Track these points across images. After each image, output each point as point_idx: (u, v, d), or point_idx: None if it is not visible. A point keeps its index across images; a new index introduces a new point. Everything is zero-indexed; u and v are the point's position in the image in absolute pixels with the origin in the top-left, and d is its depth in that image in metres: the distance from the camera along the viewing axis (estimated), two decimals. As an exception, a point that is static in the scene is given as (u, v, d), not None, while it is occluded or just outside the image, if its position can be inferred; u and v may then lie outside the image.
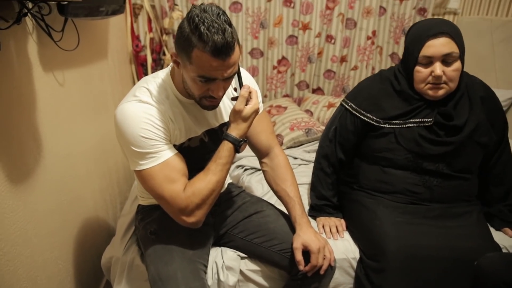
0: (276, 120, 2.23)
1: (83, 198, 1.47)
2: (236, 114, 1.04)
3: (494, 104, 1.35)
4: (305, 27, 2.45)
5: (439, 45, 1.18)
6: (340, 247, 1.33)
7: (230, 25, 0.91)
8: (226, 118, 1.22)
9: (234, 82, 1.10)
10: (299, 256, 1.10)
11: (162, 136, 1.03)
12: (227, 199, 1.33)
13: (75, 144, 1.40)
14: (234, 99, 1.11)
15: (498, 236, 1.37)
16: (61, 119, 1.29)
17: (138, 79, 2.29)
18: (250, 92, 1.05)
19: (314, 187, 1.51)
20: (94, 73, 1.66)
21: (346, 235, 1.40)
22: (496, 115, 1.35)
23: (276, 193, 1.27)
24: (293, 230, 1.19)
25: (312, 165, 1.89)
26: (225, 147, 1.04)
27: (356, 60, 2.58)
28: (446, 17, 2.61)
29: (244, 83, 1.08)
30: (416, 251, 1.20)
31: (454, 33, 1.19)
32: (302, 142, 2.11)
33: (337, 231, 1.41)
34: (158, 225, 1.17)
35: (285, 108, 2.33)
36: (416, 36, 1.24)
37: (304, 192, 1.66)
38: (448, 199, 1.32)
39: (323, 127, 2.16)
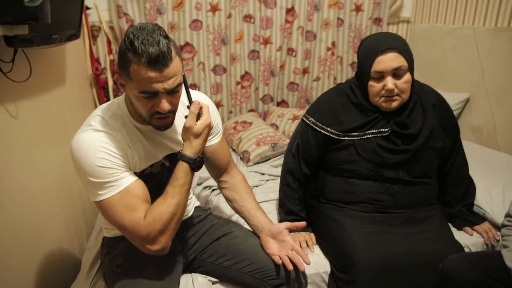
0: (242, 136, 2.24)
1: (44, 233, 1.41)
2: (187, 131, 1.03)
3: (445, 110, 1.42)
4: (266, 41, 2.48)
5: (388, 60, 1.23)
6: (311, 261, 1.33)
7: (167, 37, 0.92)
8: None
9: (187, 101, 1.10)
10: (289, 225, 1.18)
11: (119, 164, 1.01)
12: (194, 224, 1.31)
13: (33, 177, 1.34)
14: (186, 117, 1.10)
15: (460, 236, 1.44)
16: (16, 153, 1.24)
17: (100, 102, 2.25)
18: (201, 108, 1.05)
19: (282, 203, 1.52)
20: (51, 101, 1.61)
21: (317, 249, 1.42)
22: (448, 121, 1.42)
23: (240, 207, 1.29)
24: (262, 249, 1.19)
25: (279, 179, 1.92)
26: (180, 168, 1.02)
27: (318, 71, 2.64)
28: (400, 26, 2.72)
29: (194, 100, 1.07)
30: (385, 260, 1.23)
31: (401, 47, 1.24)
32: (269, 157, 2.13)
33: (307, 245, 1.42)
34: (124, 258, 1.14)
35: (251, 123, 2.34)
36: (366, 52, 1.28)
37: (273, 208, 1.67)
38: (411, 204, 1.36)
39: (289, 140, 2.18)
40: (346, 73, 2.73)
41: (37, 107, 1.46)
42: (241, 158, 2.19)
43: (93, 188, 0.99)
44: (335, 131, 1.37)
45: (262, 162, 2.12)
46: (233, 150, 2.29)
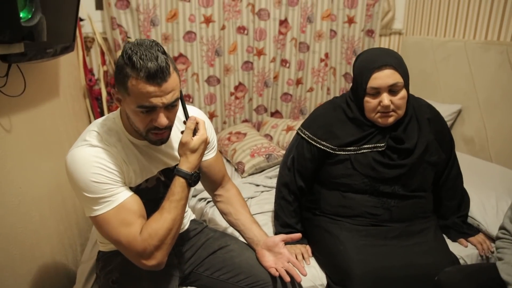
0: (236, 147, 2.24)
1: (38, 246, 1.39)
2: (183, 146, 1.04)
3: (440, 124, 1.43)
4: (260, 52, 2.50)
5: (384, 77, 1.24)
6: (307, 274, 1.33)
7: (164, 53, 0.94)
8: None
9: (183, 116, 1.10)
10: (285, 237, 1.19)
11: (115, 179, 1.00)
12: (190, 238, 1.31)
13: (26, 191, 1.33)
14: (183, 132, 1.11)
15: (455, 248, 1.45)
16: (9, 167, 1.23)
17: (94, 114, 2.24)
18: (197, 123, 1.06)
19: (277, 216, 1.52)
20: (45, 113, 1.60)
21: (312, 261, 1.41)
22: (443, 135, 1.43)
23: (235, 221, 1.29)
24: (259, 262, 1.19)
25: (274, 191, 1.92)
26: (177, 183, 1.02)
27: (312, 82, 2.66)
28: (392, 38, 2.76)
29: (190, 115, 1.08)
30: (381, 272, 1.24)
31: (397, 64, 1.25)
32: (264, 168, 2.13)
33: (303, 258, 1.42)
34: (120, 273, 1.13)
35: (245, 134, 2.35)
36: (362, 68, 1.29)
37: (268, 220, 1.66)
38: (406, 217, 1.37)
39: (284, 151, 2.19)
40: (339, 84, 2.76)
41: (31, 120, 1.45)
42: (236, 169, 2.19)
43: (88, 203, 0.99)
44: (330, 145, 1.37)
45: (256, 173, 2.12)
46: (228, 161, 2.29)
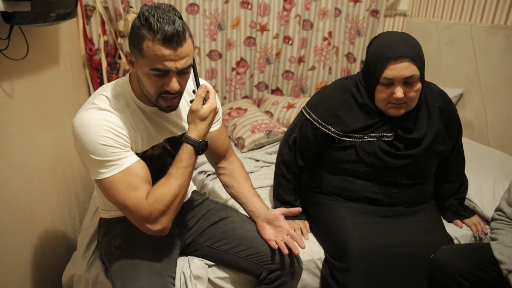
0: (236, 123, 2.24)
1: (38, 213, 1.39)
2: (192, 114, 1.04)
3: (451, 113, 1.38)
4: (263, 28, 2.46)
5: (400, 69, 1.17)
6: (305, 248, 1.35)
7: (181, 18, 0.94)
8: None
9: (193, 85, 1.10)
10: (285, 211, 1.20)
11: (123, 143, 1.01)
12: (192, 208, 1.32)
13: (28, 157, 1.32)
14: (191, 101, 1.10)
15: (450, 228, 1.47)
16: (11, 132, 1.22)
17: (93, 84, 2.21)
18: (208, 92, 1.06)
19: (276, 192, 1.53)
20: (45, 81, 1.58)
21: (311, 236, 1.44)
22: (453, 124, 1.39)
23: (237, 193, 1.30)
24: (259, 234, 1.21)
25: (274, 166, 1.93)
26: (185, 150, 1.03)
27: (314, 60, 2.63)
28: (396, 19, 2.73)
29: (201, 83, 1.08)
30: (378, 249, 1.25)
31: (415, 55, 1.18)
32: (263, 144, 2.13)
33: (302, 233, 1.44)
34: (123, 239, 1.14)
35: (245, 110, 2.34)
36: (378, 55, 1.21)
37: (267, 195, 1.68)
38: (406, 203, 1.37)
39: (284, 128, 2.19)
40: (341, 64, 2.74)
41: (32, 86, 1.43)
42: (236, 144, 2.19)
43: (94, 166, 0.99)
44: (335, 130, 1.33)
45: (256, 149, 2.12)
46: (228, 136, 2.29)
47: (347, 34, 2.64)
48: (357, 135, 1.32)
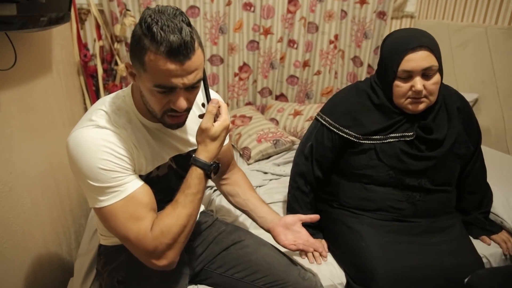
0: (241, 132, 2.12)
1: (30, 237, 1.26)
2: (203, 133, 0.92)
3: (469, 114, 1.34)
4: (267, 31, 2.35)
5: (418, 59, 1.13)
6: (325, 272, 1.24)
7: (189, 25, 0.80)
8: (195, 141, 1.09)
9: (202, 97, 0.98)
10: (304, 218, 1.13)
11: (125, 166, 0.88)
12: (200, 232, 1.20)
13: (17, 176, 1.19)
14: (202, 116, 0.98)
15: (477, 245, 1.36)
16: (-1, 149, 1.09)
17: (88, 92, 2.08)
18: (219, 107, 0.93)
19: (291, 207, 1.42)
20: (36, 91, 1.45)
21: (330, 257, 1.32)
22: (472, 126, 1.34)
23: (243, 201, 1.20)
24: (277, 260, 1.10)
25: (284, 179, 1.82)
26: (194, 174, 0.91)
27: (319, 64, 2.53)
28: (403, 21, 2.64)
29: (212, 97, 0.96)
30: (406, 272, 1.15)
31: (432, 46, 1.15)
32: (270, 154, 2.02)
33: (320, 254, 1.33)
34: (126, 272, 1.01)
35: (250, 118, 2.22)
36: (394, 49, 1.18)
37: (279, 211, 1.56)
38: (431, 213, 1.29)
39: (291, 137, 2.08)
40: (347, 68, 2.64)
41: (22, 97, 1.30)
42: (241, 155, 2.07)
43: (93, 193, 0.87)
44: (354, 134, 1.27)
45: (263, 159, 2.01)
46: (232, 145, 2.17)
47: (353, 37, 2.54)
48: (376, 136, 1.25)
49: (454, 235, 1.28)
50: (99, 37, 2.06)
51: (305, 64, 2.52)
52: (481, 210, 1.43)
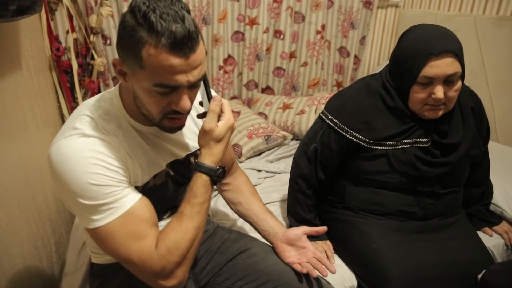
0: (231, 128, 2.02)
1: (7, 256, 1.12)
2: (206, 135, 0.82)
3: (482, 114, 1.28)
4: (252, 22, 2.25)
5: (443, 66, 1.02)
6: (335, 275, 1.16)
7: (189, 12, 0.70)
8: (193, 144, 0.99)
9: (200, 94, 0.88)
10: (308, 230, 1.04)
11: (119, 179, 0.77)
12: (203, 241, 1.10)
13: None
14: (201, 116, 0.88)
15: (481, 237, 1.35)
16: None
17: (62, 90, 1.91)
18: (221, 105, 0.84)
19: (292, 210, 1.34)
20: (5, 89, 1.29)
21: (338, 260, 1.26)
22: (483, 125, 1.29)
23: (246, 211, 1.12)
24: (287, 267, 1.02)
25: (278, 176, 1.75)
26: (199, 182, 0.81)
27: (306, 56, 2.45)
28: (388, 10, 2.60)
29: (213, 95, 0.86)
30: (419, 272, 1.12)
31: (458, 51, 1.05)
32: (262, 151, 1.94)
33: (327, 256, 1.27)
34: (126, 293, 0.91)
35: (238, 113, 2.12)
36: (415, 51, 1.06)
37: (278, 211, 1.49)
38: (441, 213, 1.24)
39: (283, 132, 2.01)
40: (333, 59, 2.58)
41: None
42: (230, 153, 1.98)
43: (85, 212, 0.75)
44: (365, 138, 1.18)
45: (254, 156, 1.92)
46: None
47: (340, 27, 2.48)
48: (389, 142, 1.17)
49: (461, 230, 1.25)
50: (72, 29, 1.89)
51: (292, 55, 2.43)
52: (482, 202, 1.42)
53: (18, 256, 1.20)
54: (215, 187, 0.89)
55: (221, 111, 0.84)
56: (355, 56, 2.56)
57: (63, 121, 1.95)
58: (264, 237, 1.10)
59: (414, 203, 1.20)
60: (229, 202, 1.17)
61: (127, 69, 0.74)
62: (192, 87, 0.76)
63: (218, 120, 0.83)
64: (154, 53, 0.67)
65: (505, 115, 1.88)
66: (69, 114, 1.93)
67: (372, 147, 1.18)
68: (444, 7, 2.24)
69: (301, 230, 1.03)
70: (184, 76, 0.71)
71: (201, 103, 0.90)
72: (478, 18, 1.97)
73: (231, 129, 0.85)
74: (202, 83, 0.85)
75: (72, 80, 1.89)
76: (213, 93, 0.92)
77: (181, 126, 0.84)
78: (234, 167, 1.19)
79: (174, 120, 0.80)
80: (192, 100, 0.78)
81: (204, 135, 0.82)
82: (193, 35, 0.68)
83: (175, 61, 0.68)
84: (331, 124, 1.22)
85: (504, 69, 1.86)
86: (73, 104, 1.93)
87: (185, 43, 0.67)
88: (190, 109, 0.80)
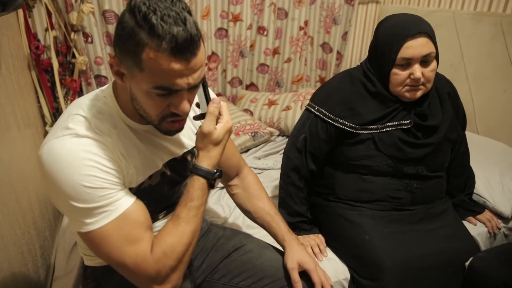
0: (218, 125, 2.01)
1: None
2: (205, 138, 0.81)
3: (457, 99, 1.35)
4: (236, 18, 2.24)
5: (418, 46, 1.10)
6: (328, 268, 1.19)
7: (190, 13, 0.69)
8: (189, 142, 0.98)
9: (197, 96, 0.87)
10: (296, 277, 0.97)
11: (113, 181, 0.76)
12: (198, 240, 1.09)
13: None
14: (198, 118, 0.87)
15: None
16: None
17: (42, 89, 1.85)
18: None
19: (284, 203, 1.35)
20: (-15, 90, 1.24)
21: (330, 253, 1.28)
22: (459, 110, 1.36)
23: (253, 213, 1.11)
24: (283, 263, 1.02)
25: (267, 172, 1.75)
26: (196, 185, 0.80)
27: (290, 52, 2.46)
28: (369, 6, 2.63)
29: (212, 97, 0.85)
30: (411, 262, 1.15)
31: (431, 32, 1.13)
32: (249, 147, 1.94)
33: (319, 249, 1.28)
34: (122, 295, 0.89)
35: (224, 109, 2.11)
36: (391, 36, 1.14)
37: (270, 207, 1.49)
38: (428, 199, 1.29)
39: (269, 128, 2.01)
40: (316, 55, 2.60)
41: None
42: (218, 150, 1.97)
43: (78, 216, 0.73)
44: (351, 124, 1.22)
45: (242, 153, 1.92)
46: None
47: (322, 23, 2.50)
48: (374, 126, 1.22)
49: (449, 220, 1.30)
50: (52, 27, 1.83)
51: (275, 51, 2.44)
52: (466, 192, 1.47)
53: (3, 263, 1.16)
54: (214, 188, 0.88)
55: (219, 114, 0.84)
56: (338, 52, 2.59)
57: (43, 121, 1.89)
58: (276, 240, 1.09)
59: (400, 188, 1.24)
60: (238, 202, 1.16)
61: (125, 70, 0.72)
62: (192, 89, 0.75)
63: (217, 123, 0.83)
64: (154, 57, 0.66)
65: (484, 108, 1.95)
66: (50, 114, 1.87)
67: (358, 131, 1.22)
68: (424, 3, 2.29)
69: (295, 264, 1.00)
70: (184, 79, 0.70)
71: (197, 105, 0.89)
72: (457, 14, 2.02)
73: (230, 131, 0.85)
74: (200, 84, 0.84)
75: (52, 79, 1.84)
76: (212, 94, 0.91)
77: (180, 128, 0.83)
78: (241, 166, 1.16)
79: (173, 123, 0.79)
80: (191, 102, 0.77)
81: (202, 137, 0.81)
82: (195, 38, 0.67)
83: (176, 65, 0.67)
84: (318, 113, 1.26)
85: (483, 63, 1.93)
86: (54, 104, 1.87)
87: (186, 47, 0.66)
88: (189, 111, 0.80)
